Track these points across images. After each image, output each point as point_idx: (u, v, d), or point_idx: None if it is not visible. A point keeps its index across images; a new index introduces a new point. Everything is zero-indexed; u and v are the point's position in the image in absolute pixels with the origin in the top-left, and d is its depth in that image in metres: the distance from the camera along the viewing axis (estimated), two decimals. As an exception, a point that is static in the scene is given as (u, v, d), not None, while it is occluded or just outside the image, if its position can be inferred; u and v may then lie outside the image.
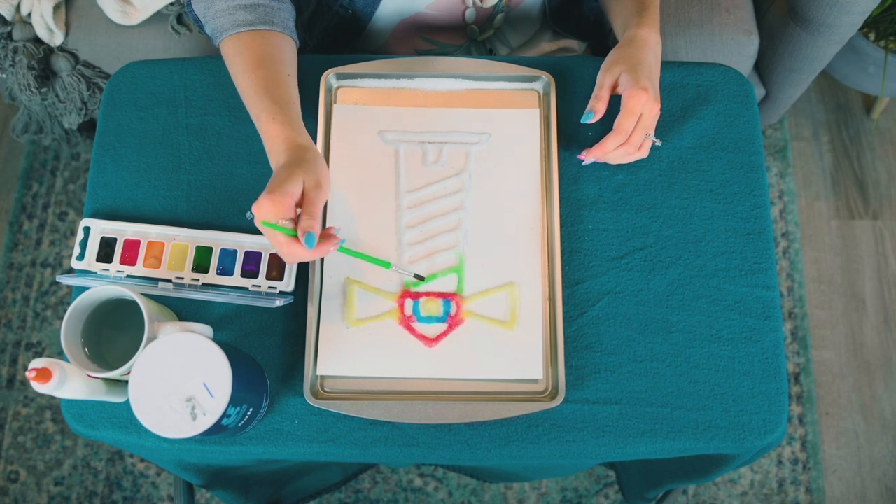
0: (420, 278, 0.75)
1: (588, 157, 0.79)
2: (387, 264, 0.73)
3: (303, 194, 0.67)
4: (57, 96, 1.27)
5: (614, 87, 0.77)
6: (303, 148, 0.70)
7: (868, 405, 1.44)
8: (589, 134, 0.82)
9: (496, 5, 0.88)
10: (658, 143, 0.79)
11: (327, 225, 0.78)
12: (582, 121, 0.77)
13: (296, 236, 0.66)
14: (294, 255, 0.67)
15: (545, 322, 0.76)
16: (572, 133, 0.83)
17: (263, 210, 0.65)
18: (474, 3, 0.88)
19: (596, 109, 0.77)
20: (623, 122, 0.75)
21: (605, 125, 0.77)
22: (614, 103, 0.77)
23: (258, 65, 0.74)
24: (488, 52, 0.97)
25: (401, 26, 0.91)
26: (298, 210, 0.68)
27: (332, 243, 0.68)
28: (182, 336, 0.63)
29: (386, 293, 0.76)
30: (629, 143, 0.76)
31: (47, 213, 1.57)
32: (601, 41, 1.03)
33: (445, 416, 0.71)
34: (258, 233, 0.79)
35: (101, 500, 1.39)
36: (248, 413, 0.67)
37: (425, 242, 0.78)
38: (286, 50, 0.77)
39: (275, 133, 0.71)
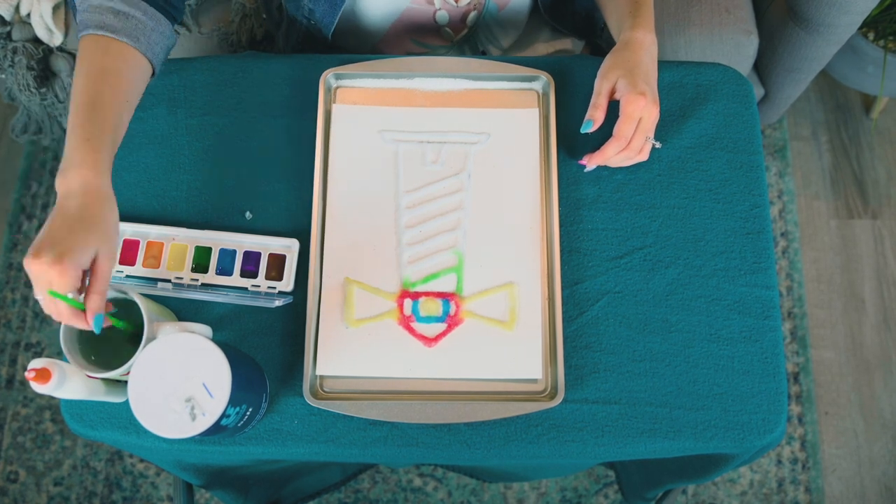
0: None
1: (590, 163, 0.79)
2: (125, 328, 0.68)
3: (93, 263, 0.62)
4: (56, 96, 1.27)
5: (612, 92, 0.77)
6: (102, 198, 0.64)
7: (867, 404, 1.44)
8: (589, 135, 0.82)
9: (470, 4, 0.87)
10: (658, 145, 0.79)
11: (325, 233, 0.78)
12: (581, 130, 0.77)
13: (81, 309, 0.62)
14: (74, 324, 0.63)
15: (544, 322, 0.76)
16: (572, 133, 0.83)
17: (52, 281, 0.60)
18: (444, 5, 0.87)
19: (594, 118, 0.77)
20: (622, 127, 0.75)
21: (606, 127, 0.77)
22: (613, 108, 0.77)
23: (101, 76, 0.68)
24: (480, 54, 0.97)
25: (392, 29, 0.91)
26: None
27: (108, 320, 0.65)
28: (181, 336, 0.63)
29: (385, 293, 0.76)
30: (629, 147, 0.76)
31: (46, 214, 1.57)
32: (593, 37, 1.03)
33: (445, 415, 0.71)
34: (257, 233, 0.79)
35: (101, 500, 1.39)
36: (248, 413, 0.67)
37: (424, 242, 0.78)
38: (136, 72, 0.72)
39: (79, 160, 0.64)
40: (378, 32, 0.91)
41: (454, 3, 0.87)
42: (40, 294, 0.61)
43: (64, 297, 0.61)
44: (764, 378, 0.75)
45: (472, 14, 0.90)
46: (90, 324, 0.62)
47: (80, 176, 0.64)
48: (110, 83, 0.69)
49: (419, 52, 0.95)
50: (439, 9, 0.88)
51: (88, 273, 0.63)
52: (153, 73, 0.75)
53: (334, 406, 0.72)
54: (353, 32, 0.92)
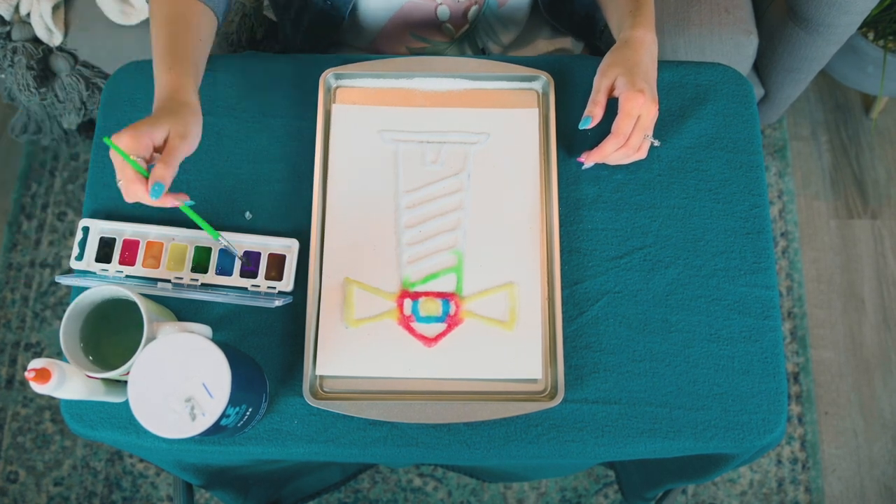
0: (244, 259, 0.77)
1: (588, 160, 0.79)
2: (216, 235, 0.73)
3: (166, 141, 0.67)
4: (56, 96, 1.27)
5: (611, 90, 0.77)
6: (183, 102, 0.70)
7: (867, 404, 1.44)
8: (588, 133, 0.82)
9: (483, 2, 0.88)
10: (657, 143, 0.79)
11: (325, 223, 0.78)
12: (580, 127, 0.77)
13: (145, 176, 0.66)
14: (134, 194, 0.66)
15: (544, 322, 0.76)
16: (571, 133, 0.83)
17: (122, 141, 0.65)
18: (447, 0, 0.87)
19: (593, 115, 0.77)
20: (621, 124, 0.75)
21: (605, 126, 0.77)
22: (612, 106, 0.77)
23: (171, 21, 0.74)
24: (480, 51, 0.97)
25: (390, 24, 0.91)
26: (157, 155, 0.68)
27: (178, 199, 0.68)
28: (181, 336, 0.62)
29: (385, 293, 0.76)
30: (628, 145, 0.76)
31: (46, 214, 1.57)
32: (592, 37, 1.03)
33: (445, 415, 0.71)
34: (257, 233, 0.79)
35: (101, 500, 1.39)
36: (248, 413, 0.67)
37: (424, 242, 0.78)
38: (204, 18, 0.77)
39: (164, 81, 0.71)
40: (377, 25, 0.91)
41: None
42: (113, 156, 0.66)
43: (128, 158, 0.65)
44: (764, 378, 0.75)
45: (473, 9, 0.90)
46: (148, 189, 0.65)
47: (168, 88, 0.70)
48: (181, 25, 0.75)
49: (419, 47, 0.95)
50: (440, 3, 0.88)
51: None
52: (218, 23, 0.80)
53: (334, 406, 0.72)
54: (354, 25, 0.92)
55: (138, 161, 0.65)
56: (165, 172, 0.66)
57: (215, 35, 0.80)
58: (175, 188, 0.81)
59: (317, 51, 0.97)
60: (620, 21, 0.80)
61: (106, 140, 0.65)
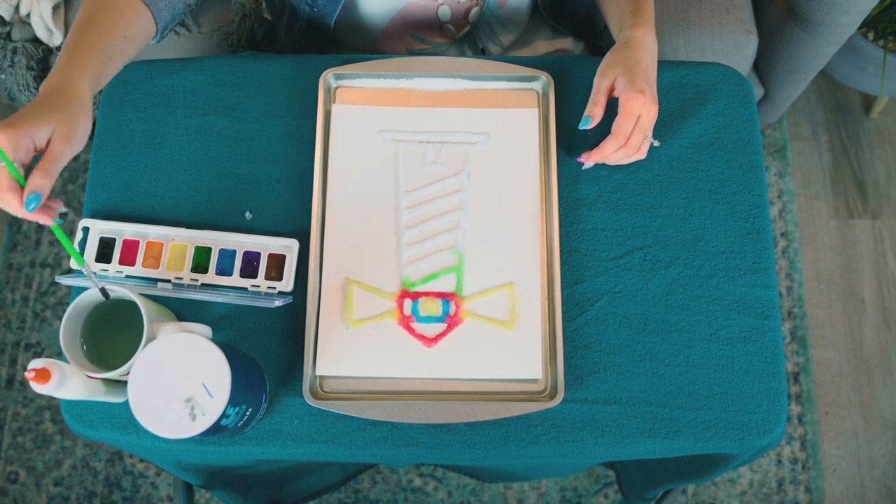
0: (105, 294, 0.67)
1: (588, 161, 0.79)
2: (81, 261, 0.65)
3: (48, 143, 0.60)
4: (56, 96, 1.27)
5: (611, 90, 0.77)
6: (72, 95, 0.62)
7: (867, 404, 1.44)
8: (588, 134, 0.82)
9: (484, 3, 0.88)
10: (657, 143, 0.79)
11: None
12: (580, 127, 0.77)
13: (20, 185, 0.59)
14: (5, 201, 0.59)
15: (544, 322, 0.76)
16: (571, 133, 0.83)
17: None
18: (447, 0, 0.87)
19: (593, 115, 0.77)
20: (621, 125, 0.75)
21: (604, 126, 0.77)
22: (612, 106, 0.77)
23: (101, 9, 0.69)
24: (480, 51, 0.97)
25: (391, 25, 0.91)
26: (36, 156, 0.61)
27: (48, 216, 0.61)
28: (181, 336, 0.63)
29: (385, 293, 0.76)
30: (628, 145, 0.76)
31: (46, 214, 1.57)
32: (593, 38, 1.03)
33: (445, 415, 0.71)
34: (257, 233, 0.79)
35: (101, 500, 1.39)
36: (248, 413, 0.67)
37: (424, 242, 0.78)
38: (137, 17, 0.72)
39: (60, 68, 0.64)
40: (377, 27, 0.91)
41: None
42: None
43: (6, 160, 0.57)
44: (764, 378, 0.75)
45: (475, 11, 0.90)
46: (23, 200, 0.58)
47: (60, 78, 0.63)
48: (108, 15, 0.69)
49: (419, 49, 0.95)
50: (441, 4, 0.88)
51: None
52: (156, 33, 0.75)
53: (334, 406, 0.72)
54: (353, 27, 0.92)
55: (16, 166, 0.58)
56: (44, 182, 0.59)
57: (150, 40, 0.76)
58: (175, 188, 0.81)
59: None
60: (620, 21, 0.81)
61: None
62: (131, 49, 0.72)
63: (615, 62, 0.77)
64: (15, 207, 0.60)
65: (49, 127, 0.60)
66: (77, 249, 0.65)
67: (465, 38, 0.94)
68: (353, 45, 0.97)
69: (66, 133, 0.61)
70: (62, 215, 0.65)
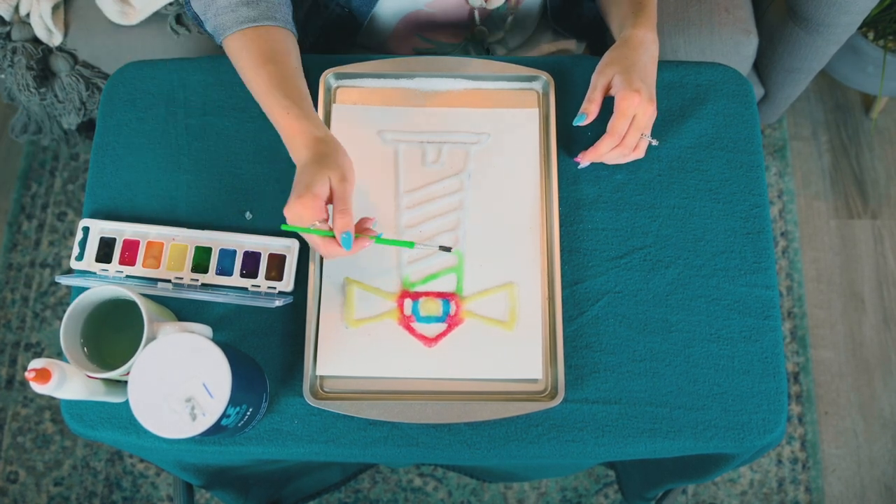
0: (446, 249, 0.75)
1: (584, 160, 0.79)
2: (411, 244, 0.73)
3: (331, 191, 0.68)
4: (56, 96, 1.27)
5: (608, 88, 0.77)
6: (322, 141, 0.70)
7: (867, 404, 1.44)
8: (588, 134, 0.82)
9: (500, 6, 0.88)
10: (655, 143, 0.79)
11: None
12: (574, 123, 0.77)
13: (331, 236, 0.67)
14: (332, 254, 0.68)
15: (544, 322, 0.76)
16: (571, 133, 0.83)
17: (294, 214, 0.67)
18: (480, 4, 0.87)
19: (588, 112, 0.77)
20: (616, 124, 0.75)
21: (604, 125, 0.77)
22: (610, 104, 0.77)
23: (266, 60, 0.74)
24: (486, 52, 0.97)
25: (401, 24, 0.91)
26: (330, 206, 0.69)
27: (368, 240, 0.69)
28: (181, 336, 0.63)
29: (385, 293, 0.76)
30: (623, 144, 0.76)
31: (46, 214, 1.57)
32: (600, 41, 1.03)
33: (445, 415, 0.71)
34: (257, 233, 0.79)
35: (101, 500, 1.39)
36: (248, 413, 0.67)
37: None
38: (290, 44, 0.77)
39: (291, 128, 0.71)
40: (388, 27, 0.91)
41: (484, 2, 0.87)
42: (307, 239, 0.69)
43: (309, 230, 0.67)
44: (764, 378, 0.75)
45: (510, 19, 0.90)
46: (340, 243, 0.67)
47: (300, 135, 0.71)
48: (279, 62, 0.74)
49: (426, 49, 0.95)
50: (476, 7, 0.88)
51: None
52: (296, 36, 0.80)
53: (334, 406, 0.72)
54: (368, 28, 0.92)
55: (320, 226, 0.67)
56: (346, 220, 0.67)
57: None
58: (175, 188, 0.82)
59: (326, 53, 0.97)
60: (622, 22, 0.81)
61: (285, 227, 0.68)
62: (302, 73, 0.77)
63: (613, 60, 0.77)
64: (339, 252, 0.68)
65: (325, 180, 0.68)
66: (401, 241, 0.74)
67: (471, 39, 0.94)
68: (364, 45, 0.97)
69: (340, 175, 0.68)
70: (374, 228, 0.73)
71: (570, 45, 1.01)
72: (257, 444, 0.73)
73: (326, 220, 0.68)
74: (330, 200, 0.68)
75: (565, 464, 1.07)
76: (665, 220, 0.80)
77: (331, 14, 0.90)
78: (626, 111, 0.74)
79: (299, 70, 0.76)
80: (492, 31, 0.93)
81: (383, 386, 0.74)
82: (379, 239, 0.71)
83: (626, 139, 0.76)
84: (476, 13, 0.89)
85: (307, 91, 0.75)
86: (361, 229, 0.70)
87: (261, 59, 0.74)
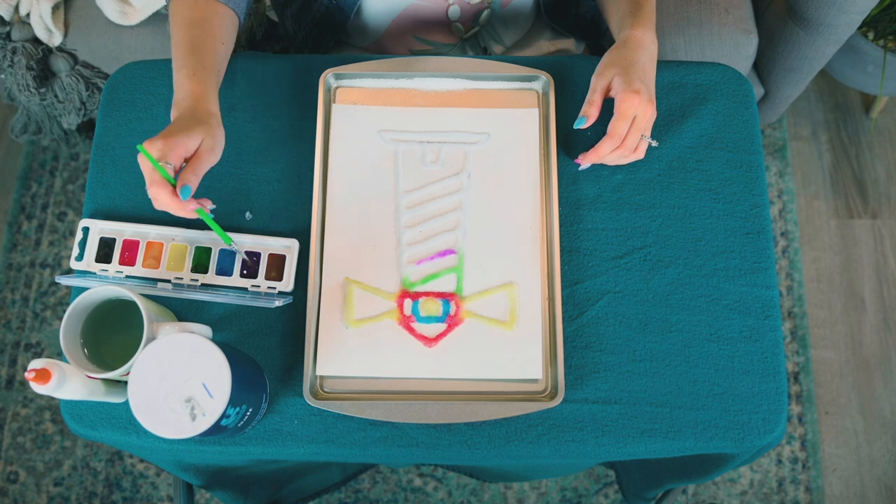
0: (253, 254, 0.77)
1: (584, 161, 0.79)
2: (228, 240, 0.75)
3: (195, 153, 0.69)
4: (56, 96, 1.27)
5: (607, 90, 0.77)
6: (209, 112, 0.71)
7: (867, 404, 1.44)
8: (588, 134, 0.82)
9: (489, 2, 0.88)
10: (654, 144, 0.79)
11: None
12: (574, 126, 0.77)
13: (172, 183, 0.68)
14: (159, 199, 0.68)
15: (544, 322, 0.76)
16: (571, 133, 0.83)
17: (154, 147, 0.67)
18: (458, 0, 0.87)
19: (588, 114, 0.77)
20: (616, 125, 0.75)
21: (604, 127, 0.77)
22: (610, 105, 0.77)
23: (194, 25, 0.75)
24: (483, 51, 0.97)
25: (394, 24, 0.91)
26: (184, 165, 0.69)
27: (199, 204, 0.70)
28: (181, 336, 0.62)
29: (385, 293, 0.76)
30: (624, 146, 0.76)
31: (46, 214, 1.57)
32: (598, 40, 1.03)
33: (445, 415, 0.71)
34: (257, 233, 0.79)
35: (101, 500, 1.39)
36: (248, 413, 0.67)
37: (424, 242, 0.78)
38: (226, 20, 0.78)
39: (188, 89, 0.72)
40: (381, 26, 0.91)
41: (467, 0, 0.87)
42: (142, 161, 0.67)
43: (158, 165, 0.66)
44: (764, 378, 0.75)
45: (485, 13, 0.90)
46: (178, 192, 0.67)
47: (190, 100, 0.71)
48: (205, 29, 0.76)
49: (422, 49, 0.95)
50: (452, 4, 0.88)
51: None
52: (240, 22, 0.81)
53: (334, 406, 0.72)
54: (358, 25, 0.92)
55: (167, 168, 0.67)
56: (193, 178, 0.68)
57: (237, 30, 0.81)
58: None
59: (319, 51, 0.97)
60: (621, 22, 0.80)
61: (139, 147, 0.67)
62: (229, 49, 0.79)
63: (612, 62, 0.77)
64: (166, 201, 0.68)
65: (198, 138, 0.69)
66: (223, 231, 0.75)
67: (468, 40, 0.94)
68: (356, 45, 0.97)
69: (210, 144, 0.70)
70: (212, 211, 0.76)
71: (569, 44, 1.01)
72: (257, 445, 0.73)
73: (176, 170, 0.68)
74: (187, 160, 0.69)
75: (565, 464, 1.07)
76: (665, 220, 0.80)
77: (320, 7, 0.90)
78: (627, 112, 0.74)
79: (225, 46, 0.77)
80: (469, 28, 0.92)
81: (383, 386, 0.74)
82: (205, 215, 0.72)
83: (627, 140, 0.76)
84: (451, 9, 0.88)
85: (221, 68, 0.77)
86: (201, 200, 0.71)
87: (189, 23, 0.75)
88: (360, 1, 0.87)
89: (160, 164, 0.67)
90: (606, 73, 0.76)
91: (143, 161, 0.67)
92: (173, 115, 0.72)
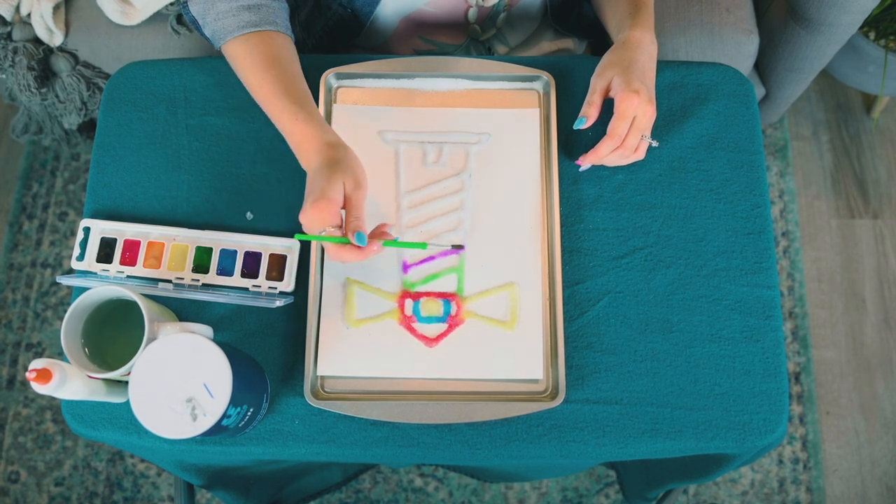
0: (459, 247, 0.76)
1: (584, 162, 0.79)
2: (424, 245, 0.73)
3: (345, 197, 0.68)
4: (57, 97, 1.27)
5: (607, 91, 0.77)
6: (333, 146, 0.70)
7: (868, 404, 1.44)
8: (589, 134, 0.82)
9: (496, 4, 0.88)
10: (655, 144, 0.79)
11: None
12: (574, 127, 0.77)
13: (346, 243, 0.66)
14: (346, 258, 0.67)
15: (545, 322, 0.76)
16: (572, 133, 0.83)
17: (309, 219, 0.66)
18: (477, 3, 0.87)
19: (587, 115, 0.77)
20: (616, 126, 0.75)
21: (604, 128, 0.77)
22: (609, 106, 0.77)
23: (270, 65, 0.74)
24: (487, 51, 0.97)
25: (401, 25, 0.91)
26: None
27: (378, 243, 0.68)
28: (182, 336, 0.63)
29: (386, 293, 0.76)
30: (624, 146, 0.76)
31: (47, 214, 1.57)
32: (601, 39, 1.03)
33: (446, 416, 0.71)
34: (258, 233, 0.79)
35: (102, 500, 1.39)
36: (249, 413, 0.67)
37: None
38: (291, 49, 0.78)
39: (300, 133, 0.71)
40: (389, 28, 0.91)
41: (482, 1, 0.87)
42: (327, 249, 0.68)
43: (323, 238, 0.66)
44: (765, 378, 0.75)
45: (502, 16, 0.90)
46: (355, 241, 0.66)
47: (310, 140, 0.71)
48: (283, 66, 0.75)
49: (427, 50, 0.95)
50: (472, 6, 0.88)
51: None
52: (294, 41, 0.81)
53: (335, 406, 0.72)
54: (369, 30, 0.92)
55: (333, 233, 0.66)
56: (359, 223, 0.67)
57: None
58: (175, 188, 0.82)
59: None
60: (620, 23, 0.80)
61: (298, 237, 0.68)
62: (302, 76, 0.77)
63: (611, 63, 0.77)
64: (353, 255, 0.67)
65: (339, 185, 0.67)
66: (414, 242, 0.74)
67: (471, 39, 0.94)
68: (363, 46, 0.97)
69: (354, 181, 0.68)
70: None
71: (571, 44, 1.01)
72: (258, 445, 0.73)
73: (340, 226, 0.67)
74: (343, 206, 0.68)
75: (566, 464, 1.07)
76: (666, 220, 0.80)
77: (333, 15, 0.90)
78: (626, 113, 0.74)
79: (301, 74, 0.76)
80: (486, 30, 0.92)
81: (384, 386, 0.74)
82: (393, 242, 0.70)
83: (627, 141, 0.76)
84: (470, 11, 0.88)
85: (311, 95, 0.75)
86: (378, 233, 0.69)
87: (264, 64, 0.74)
88: (375, 10, 0.87)
89: (324, 234, 0.66)
90: (606, 73, 0.76)
91: (315, 243, 0.67)
92: (304, 164, 0.71)
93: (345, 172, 0.68)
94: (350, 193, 0.68)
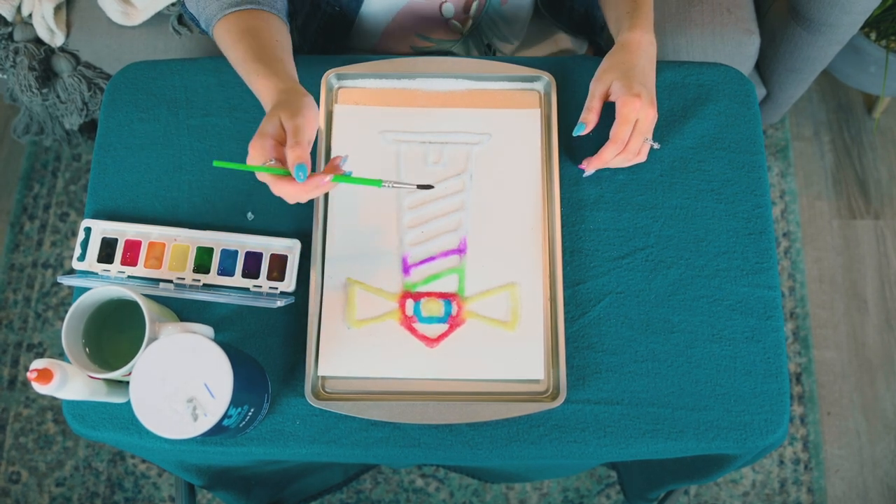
0: (426, 187, 0.73)
1: (589, 167, 0.79)
2: (378, 182, 0.69)
3: (286, 130, 0.66)
4: (58, 97, 1.27)
5: (607, 95, 0.77)
6: (284, 91, 0.69)
7: (870, 405, 1.44)
8: (590, 135, 0.82)
9: None
10: (656, 146, 0.79)
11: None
12: (574, 133, 0.77)
13: (287, 175, 0.64)
14: (286, 193, 0.65)
15: (546, 322, 0.76)
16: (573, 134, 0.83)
17: (249, 156, 0.65)
18: None
19: (587, 121, 0.77)
20: (619, 130, 0.75)
21: (605, 129, 0.77)
22: (610, 110, 0.77)
23: (244, 35, 0.75)
24: (486, 48, 0.97)
25: (395, 22, 0.91)
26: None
27: (327, 177, 0.66)
28: (183, 337, 0.63)
29: (387, 293, 0.76)
30: (627, 150, 0.76)
31: (48, 214, 1.57)
32: (592, 35, 1.03)
33: (447, 416, 0.71)
34: (259, 233, 0.79)
35: (103, 500, 1.39)
36: (250, 414, 0.67)
37: (426, 243, 0.78)
38: (273, 23, 0.77)
39: (262, 87, 0.71)
40: (380, 27, 0.91)
41: None
42: (264, 180, 0.66)
43: (262, 168, 0.64)
44: (766, 378, 0.75)
45: (475, 5, 0.89)
46: (294, 176, 0.63)
47: (268, 90, 0.70)
48: (259, 35, 0.75)
49: (425, 47, 0.95)
50: (445, 1, 0.88)
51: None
52: (287, 26, 0.80)
53: (336, 407, 0.72)
54: (358, 27, 0.92)
55: (273, 164, 0.64)
56: (297, 153, 0.64)
57: (290, 35, 0.80)
58: (176, 189, 0.81)
59: None
60: (618, 22, 0.80)
61: (255, 168, 0.65)
62: (287, 44, 0.77)
63: (611, 66, 0.77)
64: (295, 190, 0.65)
65: (274, 119, 0.66)
66: (367, 179, 0.70)
67: (471, 35, 0.94)
68: (358, 48, 0.97)
69: (290, 112, 0.66)
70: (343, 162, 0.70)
71: (573, 45, 1.01)
72: (259, 445, 0.73)
73: (280, 160, 0.65)
74: (284, 142, 0.66)
75: (567, 464, 1.07)
76: (667, 221, 0.80)
77: (323, 14, 0.90)
78: (629, 117, 0.74)
79: (281, 45, 0.76)
80: (464, 23, 0.92)
81: (385, 386, 0.74)
82: (344, 178, 0.67)
83: (630, 144, 0.76)
84: (443, 7, 0.88)
85: (286, 56, 0.75)
86: (332, 167, 0.67)
87: (239, 35, 0.75)
88: (363, 3, 0.87)
89: (266, 165, 0.64)
90: (605, 77, 0.76)
91: (260, 175, 0.65)
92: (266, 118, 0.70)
93: (283, 108, 0.66)
94: (286, 123, 0.65)
